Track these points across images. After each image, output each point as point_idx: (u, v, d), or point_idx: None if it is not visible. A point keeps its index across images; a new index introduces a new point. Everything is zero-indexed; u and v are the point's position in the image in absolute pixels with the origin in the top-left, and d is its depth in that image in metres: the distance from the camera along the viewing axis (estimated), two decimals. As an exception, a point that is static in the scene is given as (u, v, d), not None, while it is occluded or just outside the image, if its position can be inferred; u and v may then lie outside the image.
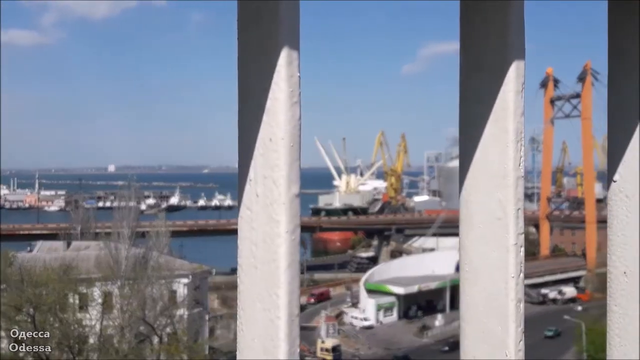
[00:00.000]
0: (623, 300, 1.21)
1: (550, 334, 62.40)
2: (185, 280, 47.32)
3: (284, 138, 0.80)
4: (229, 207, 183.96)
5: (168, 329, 37.95)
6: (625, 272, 1.20)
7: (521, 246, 1.01)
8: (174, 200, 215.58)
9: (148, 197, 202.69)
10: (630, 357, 1.20)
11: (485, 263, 1.01)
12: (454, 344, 56.66)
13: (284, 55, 0.79)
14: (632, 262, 1.19)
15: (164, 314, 38.17)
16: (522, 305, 1.01)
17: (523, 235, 1.01)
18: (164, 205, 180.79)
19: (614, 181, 1.20)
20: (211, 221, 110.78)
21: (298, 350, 0.82)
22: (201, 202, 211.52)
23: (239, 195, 0.84)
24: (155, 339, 36.11)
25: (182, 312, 41.94)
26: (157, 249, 44.90)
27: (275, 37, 0.78)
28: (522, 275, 1.00)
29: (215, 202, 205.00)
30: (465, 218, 1.05)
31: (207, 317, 51.60)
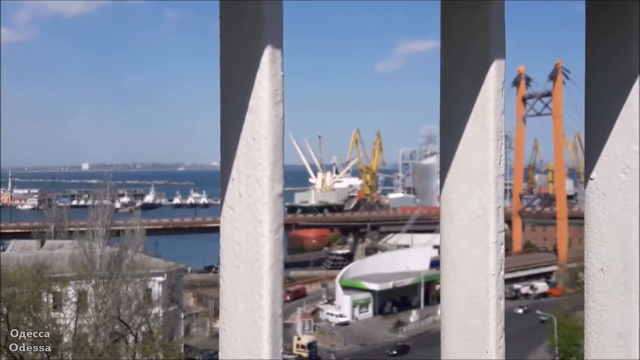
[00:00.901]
0: (600, 297, 1.22)
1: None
2: (160, 279, 47.25)
3: (268, 137, 0.79)
4: (205, 205, 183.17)
5: (143, 328, 37.88)
6: (602, 269, 1.21)
7: (501, 244, 1.01)
8: (149, 198, 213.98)
9: (122, 195, 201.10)
10: (607, 353, 1.22)
11: (465, 260, 1.01)
12: (402, 348, 57.27)
13: (267, 54, 0.79)
14: (608, 258, 1.20)
15: (139, 313, 38.10)
16: (502, 302, 1.02)
17: (503, 233, 1.02)
18: (138, 203, 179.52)
19: (591, 179, 1.21)
20: (186, 219, 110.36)
21: (281, 350, 0.81)
22: (176, 200, 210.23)
23: (221, 195, 0.84)
24: (131, 338, 36.08)
25: (157, 310, 41.91)
26: (132, 247, 44.77)
27: (259, 35, 0.78)
28: (502, 272, 1.01)
29: (190, 200, 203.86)
30: (446, 215, 1.04)
31: (182, 315, 51.59)
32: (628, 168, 1.16)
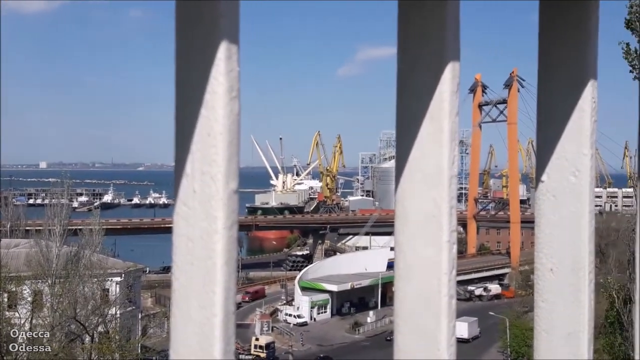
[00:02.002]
0: (550, 297, 1.26)
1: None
2: (118, 279, 47.01)
3: (223, 133, 0.79)
4: (165, 205, 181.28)
5: (100, 328, 37.75)
6: (551, 269, 1.25)
7: (454, 243, 1.03)
8: (108, 197, 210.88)
9: (81, 194, 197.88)
10: (556, 352, 1.26)
11: (419, 260, 1.03)
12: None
13: (223, 50, 0.78)
14: (558, 259, 1.24)
15: (95, 313, 37.90)
16: (454, 301, 1.04)
17: (456, 233, 1.04)
18: (97, 202, 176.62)
19: (542, 181, 1.25)
20: (146, 219, 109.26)
21: (234, 348, 0.82)
22: (136, 200, 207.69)
23: (175, 191, 0.84)
24: (87, 338, 36.04)
25: (114, 310, 41.83)
26: (90, 247, 44.42)
27: (215, 31, 0.78)
28: (454, 272, 1.03)
29: (150, 200, 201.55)
30: (400, 215, 1.05)
31: (140, 315, 51.48)
32: (578, 171, 1.21)
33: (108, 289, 44.68)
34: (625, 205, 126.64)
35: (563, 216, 1.23)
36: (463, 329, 59.60)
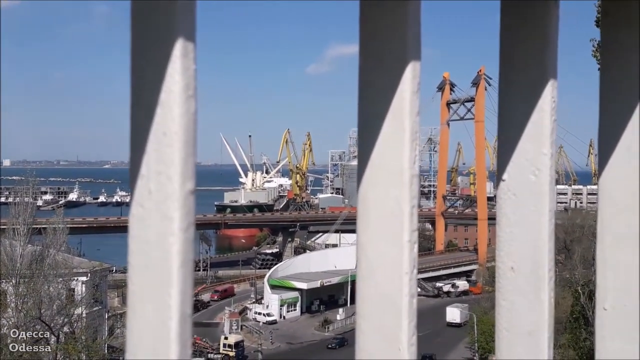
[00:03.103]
0: (510, 295, 1.27)
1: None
2: (83, 278, 46.40)
3: (179, 132, 0.78)
4: (128, 204, 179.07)
5: (66, 328, 37.27)
6: (512, 268, 1.26)
7: (415, 243, 1.03)
8: (73, 196, 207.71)
9: (45, 192, 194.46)
10: (517, 350, 1.27)
11: (380, 259, 1.03)
12: None
13: (179, 47, 0.77)
14: (519, 258, 1.25)
15: (61, 313, 37.36)
16: (415, 300, 1.04)
17: (417, 232, 1.04)
18: (62, 201, 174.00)
19: (503, 180, 1.26)
20: (112, 218, 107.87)
21: (190, 351, 0.80)
22: (102, 198, 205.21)
23: (131, 192, 0.82)
24: (52, 339, 35.50)
25: (80, 310, 41.26)
26: (55, 246, 43.71)
27: (171, 27, 0.77)
28: (415, 271, 1.03)
29: (116, 198, 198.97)
30: (362, 215, 1.05)
31: (106, 315, 50.85)
32: (538, 170, 1.22)
33: (74, 289, 44.06)
34: (590, 202, 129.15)
35: (523, 215, 1.24)
36: (456, 315, 66.48)
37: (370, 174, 1.04)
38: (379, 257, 1.04)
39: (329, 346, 59.94)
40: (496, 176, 1.30)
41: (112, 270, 56.74)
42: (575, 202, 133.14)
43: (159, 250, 0.79)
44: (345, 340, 59.01)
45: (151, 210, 0.80)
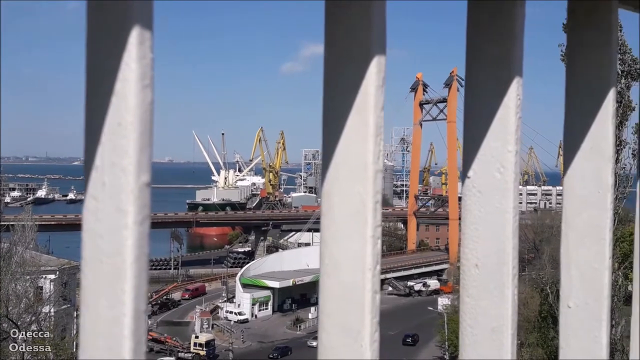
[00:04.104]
0: (474, 292, 1.27)
1: None
2: (52, 276, 45.81)
3: (134, 123, 0.76)
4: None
5: (33, 327, 36.73)
6: (476, 265, 1.26)
7: (378, 238, 1.03)
8: (42, 192, 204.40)
9: (13, 189, 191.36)
10: (481, 347, 1.27)
11: (344, 255, 1.02)
12: None
13: (136, 34, 0.76)
14: (483, 255, 1.25)
15: (28, 311, 36.86)
16: (377, 296, 1.03)
17: (380, 228, 1.04)
18: (30, 197, 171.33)
19: (468, 177, 1.26)
20: (81, 215, 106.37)
21: (144, 348, 0.78)
22: (71, 195, 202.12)
23: (85, 184, 0.80)
24: (20, 337, 34.94)
25: (48, 309, 40.71)
26: (22, 243, 43.06)
27: (127, 14, 0.76)
28: (378, 267, 1.03)
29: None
30: (326, 211, 1.04)
31: (75, 313, 50.21)
32: (503, 167, 1.22)
33: (42, 287, 43.43)
34: (559, 203, 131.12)
35: (488, 212, 1.24)
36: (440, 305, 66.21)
37: (334, 169, 1.03)
38: (342, 253, 1.03)
39: (270, 356, 57.78)
40: (462, 173, 1.31)
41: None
42: (545, 203, 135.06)
43: (112, 244, 0.77)
44: (290, 350, 58.24)
45: (105, 203, 0.78)
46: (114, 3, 0.76)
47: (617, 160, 21.73)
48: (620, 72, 21.45)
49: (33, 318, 36.84)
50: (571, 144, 1.49)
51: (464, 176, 1.28)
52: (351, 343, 1.02)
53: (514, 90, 1.21)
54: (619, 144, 21.48)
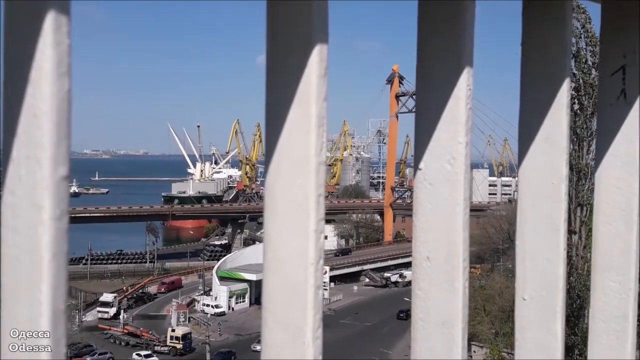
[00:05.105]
0: (425, 285, 1.27)
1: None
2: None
3: (49, 113, 0.72)
4: (75, 194, 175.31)
5: None
6: (428, 257, 1.26)
7: (321, 232, 1.01)
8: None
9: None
10: (432, 340, 1.27)
11: (287, 251, 1.00)
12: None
13: (51, 19, 0.72)
14: (434, 247, 1.25)
15: None
16: (320, 292, 1.02)
17: (323, 222, 1.02)
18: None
19: (420, 169, 1.26)
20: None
21: (64, 350, 0.76)
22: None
23: (2, 178, 0.77)
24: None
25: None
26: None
27: None
28: (321, 261, 1.01)
29: (74, 189, 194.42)
30: (269, 205, 1.02)
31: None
32: (453, 159, 1.22)
33: None
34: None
35: (438, 204, 1.23)
36: None
37: (277, 162, 1.01)
38: (285, 248, 1.01)
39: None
40: (413, 165, 1.29)
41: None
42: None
43: (29, 241, 0.74)
44: (233, 354, 57.28)
45: (22, 198, 0.75)
46: None
47: (589, 151, 22.03)
48: (592, 64, 21.72)
49: None
50: (526, 136, 1.48)
51: (415, 168, 1.27)
52: (293, 340, 1.00)
53: (464, 81, 1.20)
54: (590, 135, 21.78)
